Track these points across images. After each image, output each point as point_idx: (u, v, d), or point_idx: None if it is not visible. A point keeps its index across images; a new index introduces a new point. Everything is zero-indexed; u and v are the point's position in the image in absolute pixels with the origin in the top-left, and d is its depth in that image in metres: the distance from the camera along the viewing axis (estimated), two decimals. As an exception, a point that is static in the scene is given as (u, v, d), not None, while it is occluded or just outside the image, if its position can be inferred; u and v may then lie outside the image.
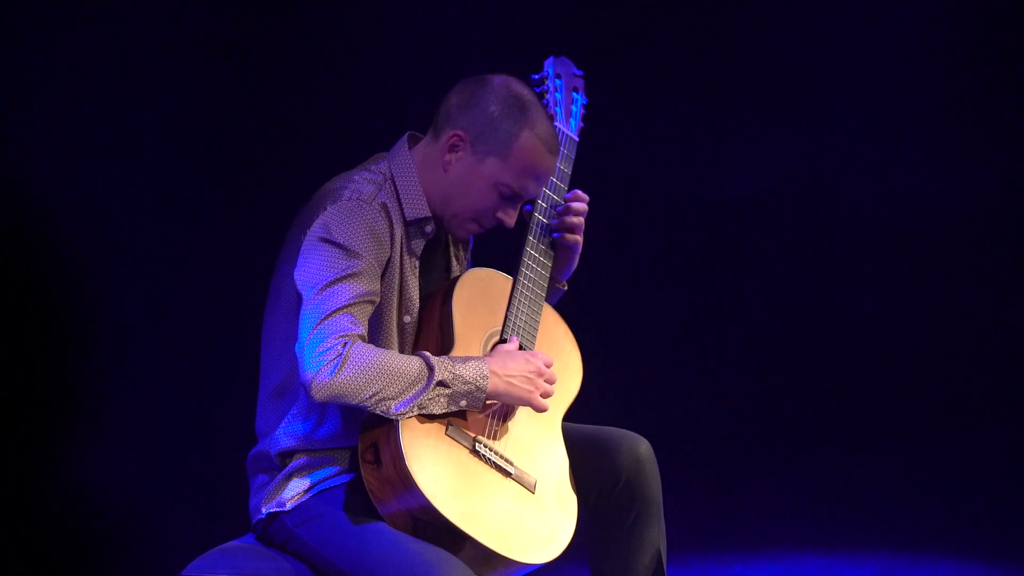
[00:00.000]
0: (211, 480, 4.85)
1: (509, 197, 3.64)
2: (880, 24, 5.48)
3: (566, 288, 3.88)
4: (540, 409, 3.58)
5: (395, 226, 3.59)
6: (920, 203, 5.52)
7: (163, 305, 4.89)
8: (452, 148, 3.62)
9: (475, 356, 3.55)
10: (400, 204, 3.63)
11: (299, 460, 3.58)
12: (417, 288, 3.65)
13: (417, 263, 3.66)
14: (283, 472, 3.58)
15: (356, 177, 3.62)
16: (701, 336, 5.50)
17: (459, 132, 3.61)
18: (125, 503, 4.82)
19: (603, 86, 4.12)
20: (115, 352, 4.83)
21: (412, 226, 3.64)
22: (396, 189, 3.63)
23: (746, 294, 5.53)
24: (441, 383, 3.46)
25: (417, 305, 3.64)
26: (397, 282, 3.61)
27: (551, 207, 3.80)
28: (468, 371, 3.49)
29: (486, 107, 3.61)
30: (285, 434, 3.58)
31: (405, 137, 3.70)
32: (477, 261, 3.87)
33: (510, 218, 3.67)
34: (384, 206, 3.57)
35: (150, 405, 4.87)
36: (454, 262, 3.80)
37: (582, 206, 3.80)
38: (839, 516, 5.44)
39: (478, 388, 3.49)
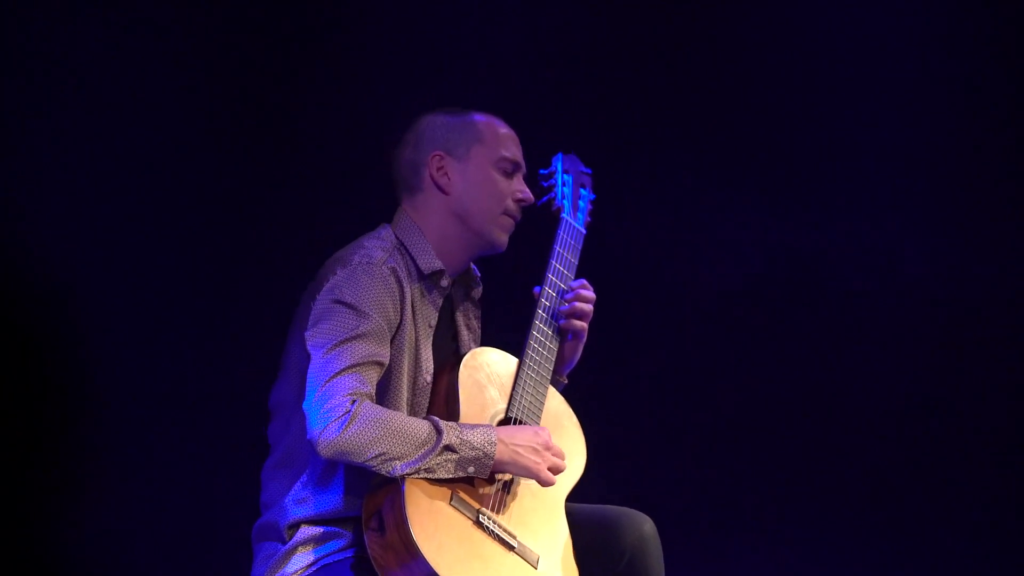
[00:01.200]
0: (211, 550, 4.84)
1: (510, 171, 3.80)
2: (879, 98, 5.55)
3: (566, 382, 3.95)
4: (546, 483, 3.61)
5: (406, 289, 3.67)
6: (917, 279, 5.56)
7: (165, 365, 4.87)
8: (440, 170, 3.76)
9: (484, 424, 3.60)
10: (414, 262, 3.73)
11: (306, 532, 3.60)
12: (431, 349, 3.72)
13: (435, 321, 3.75)
14: (289, 544, 3.61)
15: (366, 244, 3.71)
16: (704, 416, 5.49)
17: (436, 153, 3.76)
18: (123, 571, 4.82)
19: (595, 166, 4.23)
20: (112, 418, 4.80)
21: (427, 281, 3.74)
22: (406, 250, 3.73)
23: (747, 372, 5.53)
24: (449, 447, 3.50)
25: (432, 366, 3.72)
26: (411, 344, 3.67)
27: (558, 294, 3.89)
28: (476, 437, 3.54)
29: (435, 126, 3.79)
30: (292, 504, 3.62)
31: (400, 209, 3.81)
32: (486, 341, 3.96)
33: (526, 193, 3.81)
34: (394, 271, 3.66)
35: (150, 472, 4.84)
36: (462, 329, 3.87)
37: (590, 294, 3.89)
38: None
39: (486, 455, 3.54)
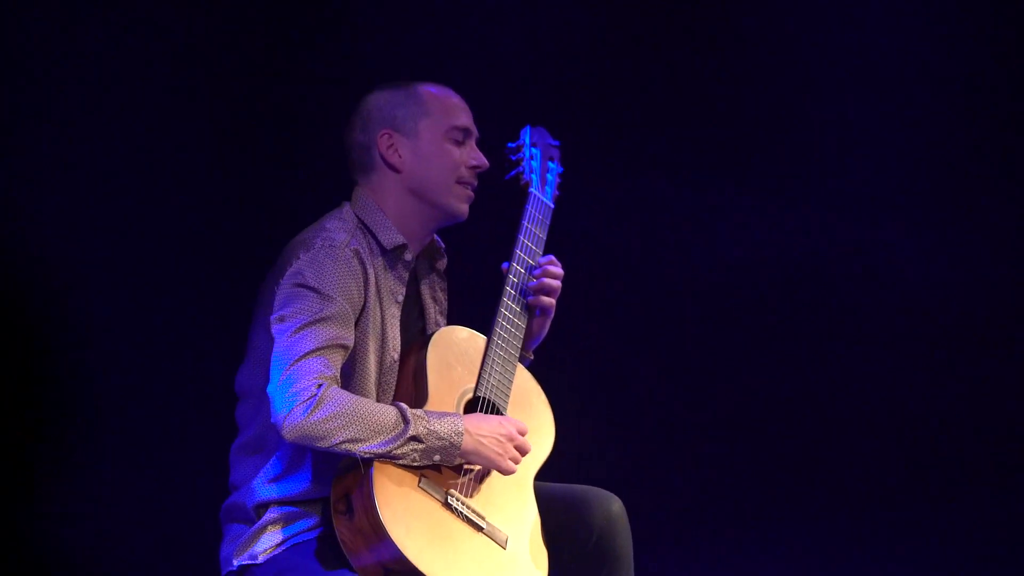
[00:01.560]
0: (180, 530, 4.83)
1: (461, 139, 3.77)
2: (880, 95, 5.54)
3: (532, 358, 3.93)
4: (506, 472, 3.61)
5: (369, 269, 3.65)
6: (910, 275, 5.56)
7: (137, 342, 4.88)
8: (390, 148, 3.74)
9: (451, 412, 3.58)
10: (376, 239, 3.70)
11: (274, 512, 3.59)
12: (397, 327, 3.71)
13: (402, 296, 3.73)
14: (257, 524, 3.59)
15: (327, 225, 3.69)
16: (675, 395, 5.50)
17: (384, 131, 3.73)
18: (91, 551, 4.79)
19: (584, 157, 4.19)
20: (74, 398, 4.83)
21: (391, 256, 3.72)
22: (367, 228, 3.71)
23: (719, 354, 5.54)
24: (415, 438, 3.49)
25: (399, 343, 3.69)
26: (376, 324, 3.66)
27: (526, 270, 3.86)
28: (443, 427, 3.52)
29: (379, 105, 3.76)
30: (260, 486, 3.60)
31: (357, 188, 3.78)
32: (453, 315, 3.92)
33: (480, 158, 3.79)
34: (357, 252, 3.64)
35: (117, 452, 4.84)
36: (428, 303, 3.85)
37: (558, 270, 3.86)
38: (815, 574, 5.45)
39: (452, 444, 3.53)
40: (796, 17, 5.50)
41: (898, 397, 5.55)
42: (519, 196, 3.96)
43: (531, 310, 3.86)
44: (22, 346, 4.75)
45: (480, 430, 3.57)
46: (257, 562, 3.59)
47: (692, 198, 5.51)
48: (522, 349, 3.84)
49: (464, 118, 3.80)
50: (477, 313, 3.95)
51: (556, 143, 4.12)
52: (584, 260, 4.00)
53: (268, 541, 3.59)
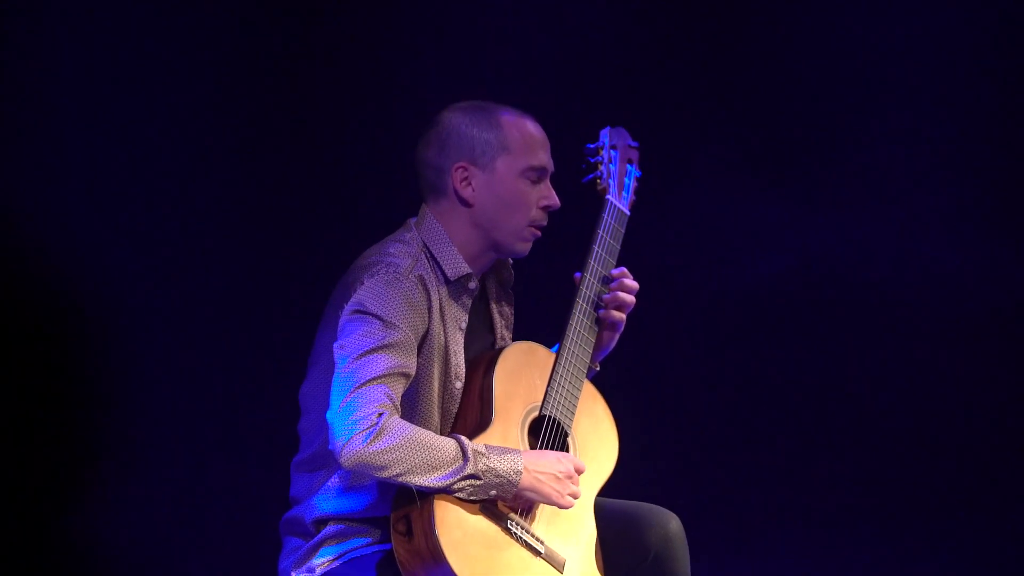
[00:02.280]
0: (237, 541, 4.87)
1: (536, 179, 3.71)
2: (911, 95, 5.45)
3: (598, 369, 3.90)
4: (564, 508, 3.60)
5: (433, 296, 3.63)
6: (944, 284, 5.50)
7: (195, 359, 4.90)
8: (464, 181, 3.68)
9: (513, 449, 3.57)
10: (441, 268, 3.67)
11: (333, 528, 3.61)
12: (461, 353, 3.69)
13: (465, 323, 3.70)
14: (316, 538, 3.62)
15: (391, 250, 3.66)
16: (735, 414, 5.49)
17: (460, 164, 3.67)
18: (147, 561, 4.85)
19: (655, 153, 4.14)
20: (142, 406, 4.84)
21: (455, 286, 3.68)
22: (432, 255, 3.68)
23: (777, 372, 5.51)
24: (472, 475, 3.49)
25: (464, 370, 3.68)
26: (440, 350, 3.64)
27: (599, 282, 3.81)
28: (502, 465, 3.52)
29: (460, 131, 3.69)
30: (321, 502, 3.62)
31: (425, 207, 3.74)
32: (519, 327, 3.89)
33: (552, 198, 3.73)
34: (421, 279, 3.62)
35: (178, 460, 4.87)
36: (496, 319, 3.83)
37: (633, 284, 3.82)
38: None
39: (510, 483, 3.53)
40: (832, 13, 5.39)
41: (951, 406, 5.51)
42: (594, 200, 3.91)
43: (601, 323, 3.82)
44: (75, 351, 4.77)
45: (539, 467, 3.56)
46: (314, 575, 3.61)
47: (735, 207, 5.45)
48: (590, 361, 3.81)
49: (543, 156, 3.73)
50: (544, 323, 3.94)
51: (635, 144, 4.05)
52: (653, 269, 3.94)
53: (325, 555, 3.61)
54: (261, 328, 4.92)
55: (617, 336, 3.86)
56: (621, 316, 3.82)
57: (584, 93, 5.30)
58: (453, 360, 3.66)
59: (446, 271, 3.67)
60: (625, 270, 3.84)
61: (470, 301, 3.72)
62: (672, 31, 5.42)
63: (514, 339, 3.88)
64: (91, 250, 4.79)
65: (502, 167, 3.69)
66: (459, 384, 3.66)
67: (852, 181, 5.49)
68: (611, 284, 3.81)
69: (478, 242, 3.71)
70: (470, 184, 3.68)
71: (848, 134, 5.48)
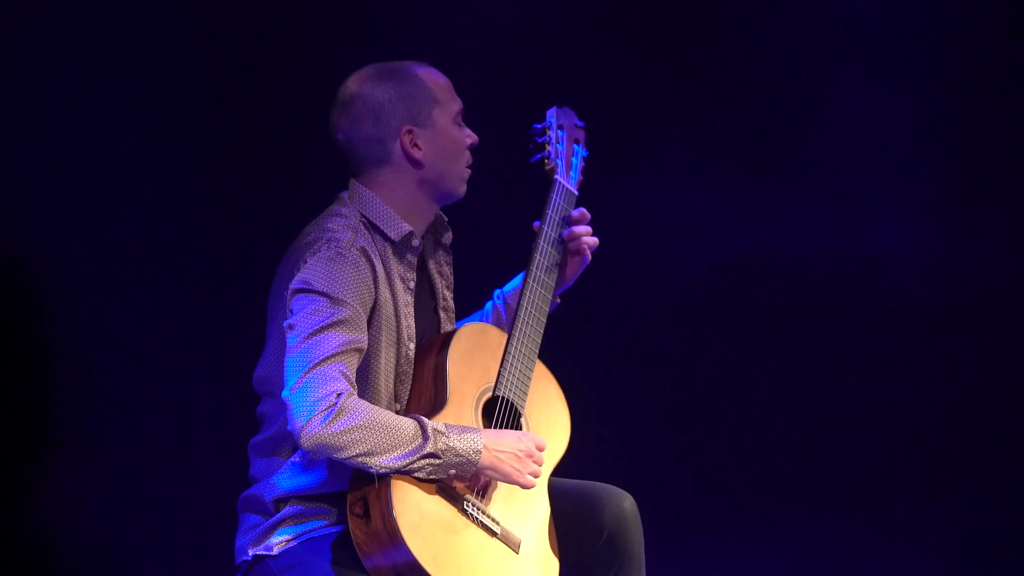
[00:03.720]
0: (194, 519, 4.85)
1: (461, 121, 3.75)
2: (876, 87, 5.49)
3: (559, 302, 3.90)
4: (525, 487, 3.61)
5: (377, 266, 3.62)
6: (925, 268, 5.54)
7: (149, 335, 4.89)
8: (412, 143, 3.68)
9: (472, 428, 3.57)
10: (382, 233, 3.67)
11: (292, 507, 3.60)
12: (412, 316, 3.69)
13: (413, 283, 3.71)
14: (275, 517, 3.60)
15: (330, 225, 3.64)
16: (689, 393, 5.51)
17: (406, 128, 3.67)
18: (101, 539, 4.82)
19: (603, 144, 4.13)
20: (93, 382, 4.83)
21: (399, 246, 3.68)
22: (371, 223, 3.67)
23: (735, 350, 5.54)
24: (432, 454, 3.48)
25: (415, 332, 3.68)
26: (391, 317, 3.64)
27: (549, 261, 3.81)
28: (462, 444, 3.52)
29: (389, 97, 3.68)
30: (281, 480, 3.60)
31: (355, 181, 3.72)
32: (469, 310, 3.88)
33: (474, 136, 3.77)
34: (363, 250, 3.60)
35: (130, 439, 4.86)
36: (436, 279, 3.83)
37: (586, 221, 3.85)
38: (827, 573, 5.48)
39: (469, 462, 3.53)
40: (784, 13, 5.43)
41: (927, 394, 5.56)
42: (536, 175, 3.91)
43: (565, 255, 3.82)
44: (37, 343, 4.73)
45: (498, 445, 3.56)
46: (272, 554, 3.60)
47: (708, 195, 5.47)
48: (552, 295, 3.81)
49: (458, 97, 3.77)
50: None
51: (582, 124, 4.05)
52: (598, 257, 3.94)
53: (284, 535, 3.60)
54: (214, 309, 4.90)
55: (581, 270, 3.89)
56: (587, 251, 3.84)
57: (532, 76, 5.29)
58: (404, 323, 3.66)
59: (388, 234, 3.67)
60: (583, 210, 3.86)
61: (415, 259, 3.72)
62: (624, 19, 5.42)
63: (456, 303, 3.88)
64: (44, 240, 4.75)
65: (439, 119, 3.71)
66: (412, 346, 3.67)
67: (801, 170, 5.52)
68: (564, 235, 3.82)
69: (422, 199, 3.72)
70: (417, 144, 3.68)
71: (798, 124, 5.50)
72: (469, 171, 3.77)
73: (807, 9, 5.43)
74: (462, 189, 3.76)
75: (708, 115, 5.48)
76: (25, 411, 4.76)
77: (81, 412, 4.81)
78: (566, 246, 3.83)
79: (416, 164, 3.69)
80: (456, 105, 3.74)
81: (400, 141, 3.67)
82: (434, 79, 3.72)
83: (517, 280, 3.95)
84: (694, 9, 5.44)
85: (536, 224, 3.81)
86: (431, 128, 3.69)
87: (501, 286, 4.00)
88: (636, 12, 5.41)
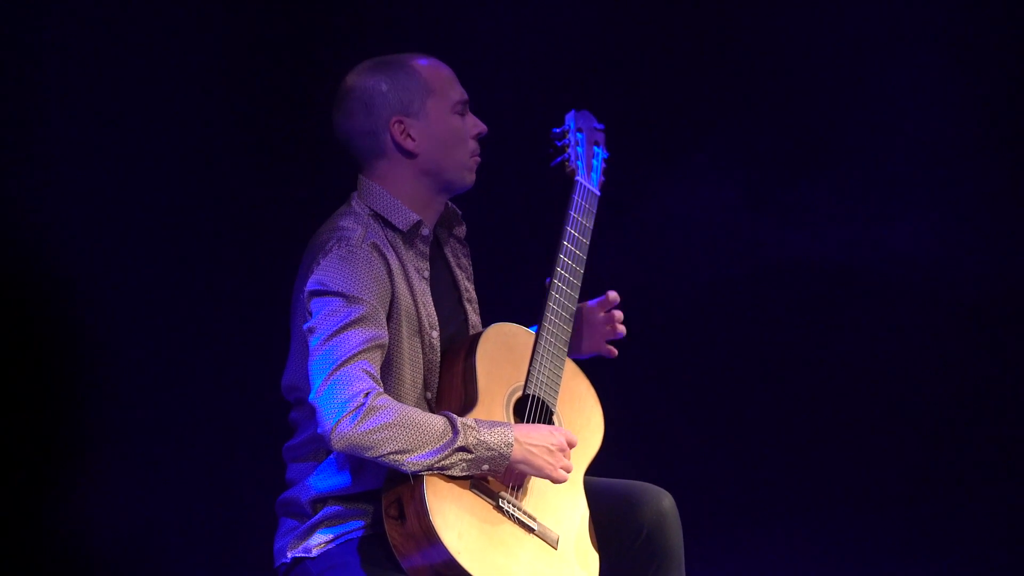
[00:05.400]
0: (232, 521, 4.84)
1: (462, 111, 3.73)
2: (900, 88, 5.49)
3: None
4: (558, 481, 3.58)
5: (391, 259, 3.61)
6: (960, 270, 5.52)
7: (181, 344, 4.90)
8: (403, 133, 3.67)
9: (502, 422, 3.55)
10: (391, 224, 3.66)
11: (330, 508, 3.59)
12: (432, 303, 3.68)
13: (428, 272, 3.70)
14: (312, 519, 3.59)
15: (340, 224, 3.64)
16: (726, 390, 5.49)
17: (395, 119, 3.66)
18: (139, 544, 4.82)
19: (626, 148, 4.13)
20: (137, 385, 4.85)
21: (408, 236, 3.68)
22: (380, 216, 3.66)
23: (772, 349, 5.52)
24: (463, 448, 3.46)
25: (436, 319, 3.67)
26: (410, 308, 3.62)
27: (574, 262, 3.80)
28: (493, 438, 3.49)
29: (380, 89, 3.67)
30: (316, 482, 3.59)
31: (362, 176, 3.72)
32: (498, 311, 3.88)
33: (481, 125, 3.75)
34: (375, 245, 3.59)
35: (171, 440, 4.87)
36: (457, 272, 3.82)
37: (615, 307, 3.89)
38: (865, 573, 5.43)
39: (501, 456, 3.50)
40: (813, 20, 5.45)
41: (968, 394, 5.53)
42: (560, 181, 3.91)
43: (586, 341, 3.88)
44: (73, 342, 4.75)
45: (530, 439, 3.54)
46: (310, 555, 3.59)
47: (740, 194, 5.47)
48: (577, 293, 3.81)
49: (460, 88, 3.75)
50: (523, 306, 3.94)
51: (601, 127, 4.05)
52: (628, 257, 3.93)
53: (322, 536, 3.58)
54: (249, 314, 4.92)
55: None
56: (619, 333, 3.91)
57: (556, 80, 5.30)
58: (424, 312, 3.65)
59: (396, 224, 3.66)
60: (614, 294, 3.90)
61: (427, 248, 3.71)
62: (649, 24, 5.43)
63: (482, 306, 3.87)
64: (75, 242, 4.78)
65: (433, 109, 3.69)
66: (435, 334, 3.65)
67: (832, 173, 5.52)
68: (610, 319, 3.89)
69: (427, 189, 3.70)
70: (409, 135, 3.67)
71: (828, 126, 5.50)
72: (477, 159, 3.75)
73: (839, 11, 5.43)
74: (469, 178, 3.74)
75: (736, 118, 5.47)
76: (61, 411, 4.76)
77: (120, 416, 4.81)
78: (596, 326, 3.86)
79: (409, 155, 3.68)
80: (456, 95, 3.72)
81: (390, 132, 3.67)
82: (431, 69, 3.71)
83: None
84: (722, 10, 5.45)
85: (547, 281, 3.79)
86: (424, 118, 3.68)
87: (524, 306, 3.99)
88: (661, 14, 5.41)
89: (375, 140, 3.68)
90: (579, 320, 3.91)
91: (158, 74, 4.83)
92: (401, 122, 3.67)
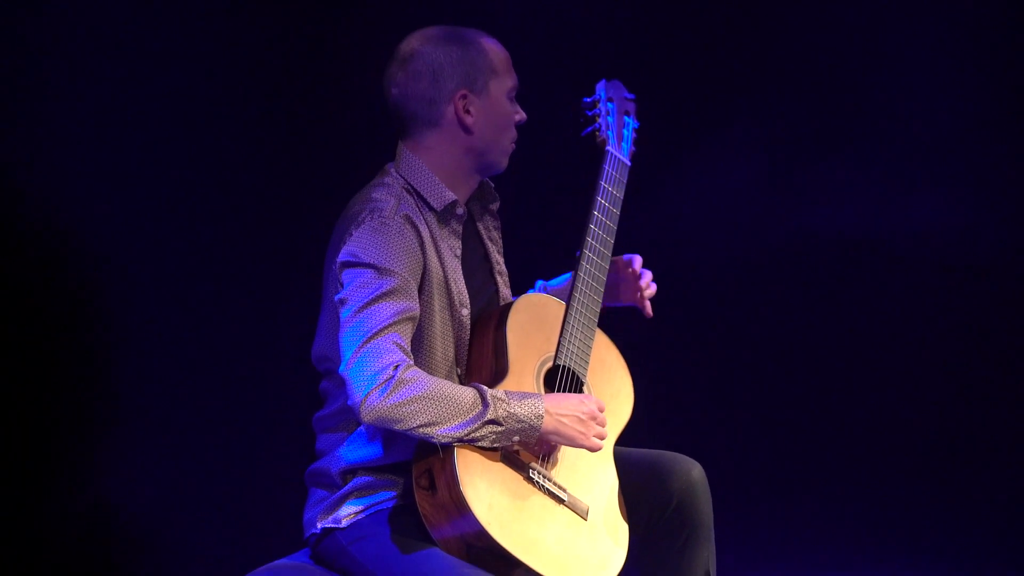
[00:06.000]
0: (262, 493, 4.87)
1: (513, 97, 3.75)
2: (922, 70, 5.47)
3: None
4: (592, 450, 3.59)
5: (423, 231, 3.61)
6: (988, 258, 5.51)
7: (206, 316, 4.91)
8: (466, 110, 3.67)
9: (532, 393, 3.55)
10: (425, 201, 3.66)
11: (360, 479, 3.60)
12: (463, 281, 3.68)
13: (459, 250, 3.70)
14: (343, 490, 3.60)
15: (374, 195, 3.63)
16: (755, 362, 5.49)
17: (462, 92, 3.66)
18: (169, 516, 4.85)
19: (654, 117, 4.13)
20: (158, 360, 4.87)
21: (443, 215, 3.68)
22: (416, 190, 3.67)
23: (801, 321, 5.51)
24: (493, 421, 3.47)
25: (467, 296, 3.67)
26: (441, 282, 3.63)
27: (605, 232, 3.79)
28: (523, 409, 3.49)
29: (451, 59, 3.67)
30: (346, 453, 3.60)
31: (403, 145, 3.72)
32: (527, 280, 3.87)
33: (523, 113, 3.77)
34: (408, 218, 3.59)
35: (201, 412, 4.90)
36: (489, 245, 3.83)
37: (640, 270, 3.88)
38: (894, 543, 5.42)
39: (532, 427, 3.50)
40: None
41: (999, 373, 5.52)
42: (591, 151, 3.90)
43: (609, 270, 3.81)
44: (98, 323, 4.77)
45: (560, 409, 3.54)
46: (340, 526, 3.60)
47: (771, 172, 5.46)
48: (608, 263, 3.79)
49: (515, 75, 3.77)
50: (553, 276, 3.95)
51: (632, 96, 4.04)
52: (660, 231, 3.93)
53: (352, 507, 3.60)
54: (273, 284, 4.93)
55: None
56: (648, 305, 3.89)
57: (581, 55, 5.30)
58: (455, 288, 3.65)
59: (431, 203, 3.66)
60: (637, 257, 3.89)
61: (460, 227, 3.71)
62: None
63: (511, 274, 3.88)
64: (98, 224, 4.79)
65: (495, 90, 3.70)
66: (465, 312, 3.66)
67: (853, 150, 5.50)
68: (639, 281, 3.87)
69: (467, 167, 3.71)
70: (469, 111, 3.68)
71: (850, 105, 5.49)
72: (513, 146, 3.76)
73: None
74: (504, 162, 3.75)
75: (760, 95, 5.46)
76: (87, 389, 4.79)
77: (147, 387, 4.84)
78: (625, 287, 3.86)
79: (467, 130, 3.68)
80: (512, 80, 3.73)
81: (454, 104, 3.67)
82: (496, 50, 3.72)
83: (564, 277, 3.95)
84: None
85: (577, 253, 3.79)
86: (486, 97, 3.69)
87: (552, 257, 4.00)
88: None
89: (433, 109, 3.68)
90: (614, 271, 3.89)
91: (165, 61, 4.84)
92: (465, 96, 3.67)
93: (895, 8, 5.43)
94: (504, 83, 3.71)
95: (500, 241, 3.87)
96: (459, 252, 3.70)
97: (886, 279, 5.51)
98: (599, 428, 3.58)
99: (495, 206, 3.85)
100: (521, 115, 3.76)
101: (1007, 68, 5.44)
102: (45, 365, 4.73)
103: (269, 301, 4.93)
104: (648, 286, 3.91)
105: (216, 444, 4.89)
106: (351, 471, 3.60)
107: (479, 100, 3.68)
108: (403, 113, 3.70)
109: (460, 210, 3.70)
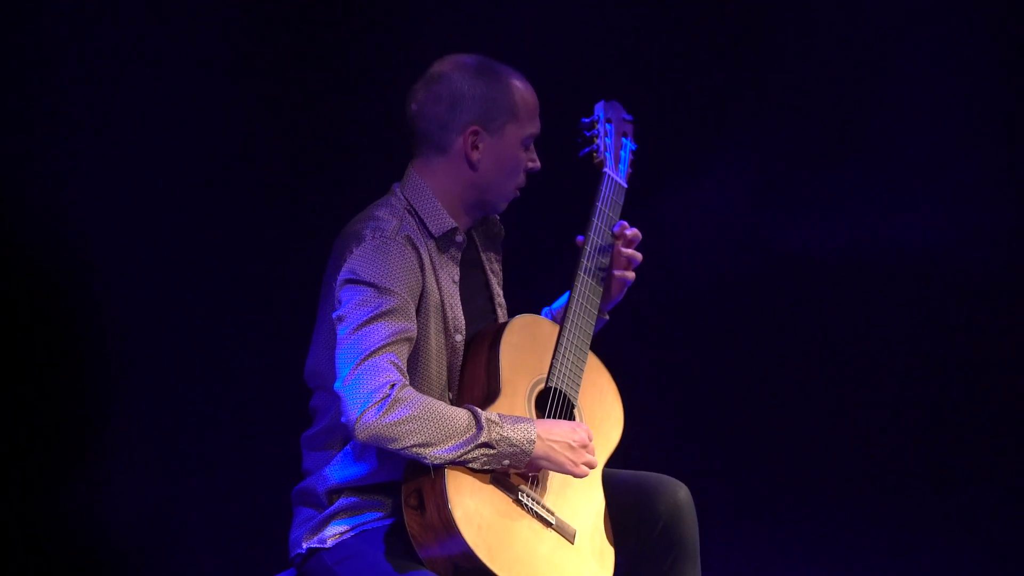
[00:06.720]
0: (248, 512, 4.88)
1: (530, 145, 3.74)
2: (913, 82, 5.47)
3: (607, 319, 3.92)
4: (579, 477, 3.61)
5: (423, 254, 3.63)
6: (978, 261, 5.52)
7: (201, 328, 4.91)
8: (474, 145, 3.68)
9: (525, 417, 3.57)
10: (425, 226, 3.67)
11: (346, 499, 3.61)
12: (460, 307, 3.70)
13: (457, 276, 3.71)
14: (328, 509, 3.62)
15: (377, 214, 3.65)
16: (741, 382, 5.50)
17: (473, 128, 3.66)
18: (156, 532, 4.85)
19: (652, 134, 4.14)
20: (151, 375, 4.86)
21: (442, 241, 3.69)
22: (417, 213, 3.68)
23: (791, 341, 5.52)
24: (486, 444, 3.49)
25: (464, 323, 3.68)
26: (437, 306, 3.64)
27: (599, 253, 3.82)
28: (515, 434, 3.52)
29: (474, 93, 3.68)
30: (333, 472, 3.62)
31: (411, 166, 3.73)
32: (521, 303, 3.90)
33: (537, 162, 3.76)
34: (409, 239, 3.61)
35: (187, 430, 4.89)
36: (491, 276, 3.85)
37: (634, 232, 3.84)
38: (881, 567, 5.44)
39: (523, 451, 3.53)
40: (836, 13, 5.42)
41: (995, 384, 5.53)
42: (586, 170, 3.92)
43: (610, 280, 3.82)
44: (88, 335, 4.78)
45: (552, 435, 3.57)
46: (326, 546, 3.62)
47: (757, 186, 5.47)
48: (598, 312, 3.81)
49: (538, 121, 3.76)
50: (549, 298, 3.97)
51: (630, 118, 4.06)
52: (656, 248, 3.94)
53: (338, 527, 3.61)
54: (263, 302, 4.93)
55: (625, 290, 3.89)
56: (630, 275, 3.84)
57: (578, 73, 5.30)
58: (450, 314, 3.67)
59: (431, 228, 3.68)
60: (624, 223, 3.84)
61: (459, 254, 3.73)
62: (669, 16, 5.42)
63: (506, 298, 3.89)
64: (91, 234, 4.80)
65: (510, 134, 3.71)
66: (459, 338, 3.67)
67: (848, 164, 5.51)
68: (614, 241, 3.81)
69: (469, 200, 3.72)
70: (477, 148, 3.69)
71: (846, 117, 5.49)
72: (518, 193, 3.77)
73: (853, 4, 5.41)
74: (503, 206, 3.77)
75: (750, 112, 5.46)
76: (75, 404, 4.79)
77: (134, 406, 4.84)
78: (612, 257, 3.84)
79: (471, 165, 3.69)
80: (533, 128, 3.72)
81: (464, 137, 3.68)
82: (523, 94, 3.71)
83: (564, 299, 3.95)
84: (739, 5, 5.43)
85: (579, 239, 3.81)
86: (499, 138, 3.69)
87: (548, 300, 4.01)
88: (680, 9, 5.40)
89: (444, 135, 3.69)
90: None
91: (170, 65, 4.84)
92: (476, 133, 3.67)
93: (889, 26, 5.42)
94: (523, 129, 3.71)
95: (500, 273, 3.88)
96: (457, 279, 3.72)
97: (878, 296, 5.51)
98: (588, 456, 3.61)
99: (499, 235, 3.87)
100: (535, 164, 3.76)
101: (1000, 86, 5.44)
102: (37, 373, 4.73)
103: (264, 317, 4.92)
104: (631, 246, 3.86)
105: (201, 465, 4.88)
106: (337, 491, 3.62)
107: (491, 139, 3.69)
108: (416, 130, 3.71)
109: (460, 237, 3.72)
